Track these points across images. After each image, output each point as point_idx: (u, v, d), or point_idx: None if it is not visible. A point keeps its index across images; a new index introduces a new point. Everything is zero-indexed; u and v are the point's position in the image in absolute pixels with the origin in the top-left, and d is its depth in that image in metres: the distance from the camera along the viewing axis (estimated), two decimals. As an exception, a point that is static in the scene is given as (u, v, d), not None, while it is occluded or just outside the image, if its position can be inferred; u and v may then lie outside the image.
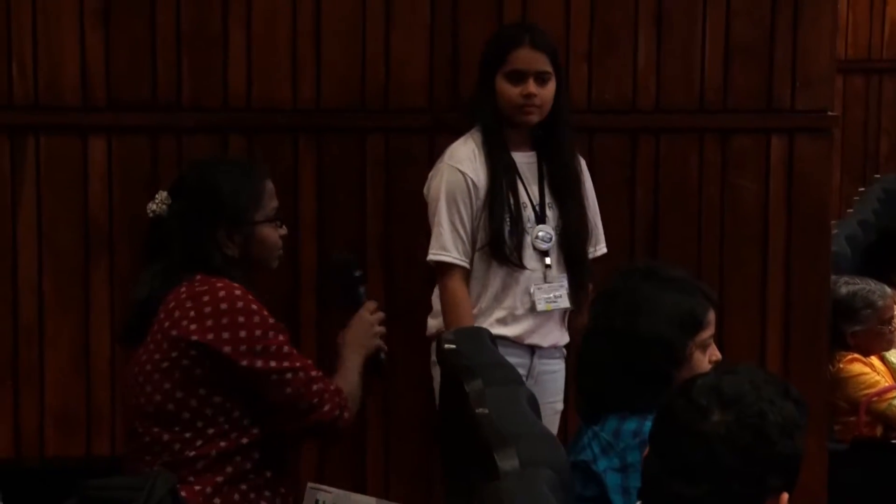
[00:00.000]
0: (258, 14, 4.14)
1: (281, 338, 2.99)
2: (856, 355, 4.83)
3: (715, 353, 2.82)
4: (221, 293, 2.95)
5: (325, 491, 3.13)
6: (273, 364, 2.96)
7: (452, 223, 3.60)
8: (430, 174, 3.71)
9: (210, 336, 2.92)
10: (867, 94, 7.77)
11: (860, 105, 7.76)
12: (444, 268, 3.63)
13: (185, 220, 3.05)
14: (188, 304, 2.96)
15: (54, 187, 4.11)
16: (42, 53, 4.07)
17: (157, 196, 3.12)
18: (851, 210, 6.91)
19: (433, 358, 3.68)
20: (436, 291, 3.73)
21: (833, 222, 4.98)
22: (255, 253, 3.10)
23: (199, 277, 3.00)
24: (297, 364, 3.00)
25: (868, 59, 7.70)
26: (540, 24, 4.11)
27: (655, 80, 4.30)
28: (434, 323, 3.72)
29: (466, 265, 3.62)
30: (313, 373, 3.02)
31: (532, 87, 3.58)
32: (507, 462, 2.18)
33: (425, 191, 3.72)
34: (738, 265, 4.39)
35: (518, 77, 3.60)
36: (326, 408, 3.01)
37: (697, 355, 2.78)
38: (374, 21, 4.18)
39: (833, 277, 4.66)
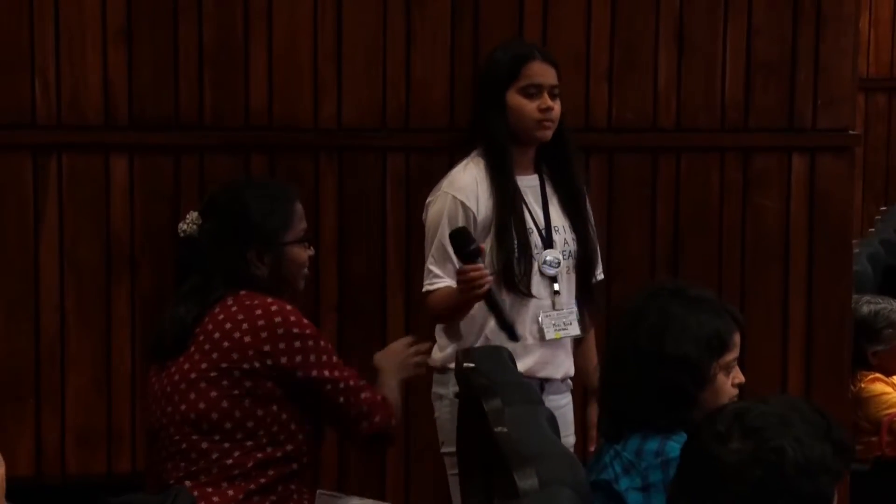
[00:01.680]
0: (280, 33, 4.16)
1: (330, 347, 3.08)
2: (877, 375, 4.80)
3: (738, 376, 2.81)
4: (273, 307, 3.02)
5: (335, 497, 3.14)
6: (327, 374, 3.04)
7: (448, 252, 3.47)
8: (429, 199, 3.58)
9: (267, 348, 2.99)
10: (889, 112, 7.76)
11: (882, 123, 7.75)
12: (431, 293, 3.53)
13: (217, 241, 3.09)
14: (240, 317, 3.02)
15: (76, 205, 4.13)
16: (65, 72, 4.09)
17: (187, 216, 3.16)
18: (873, 229, 6.89)
19: (434, 390, 3.61)
20: (439, 326, 3.62)
21: (855, 241, 4.97)
22: (284, 273, 3.14)
23: (244, 292, 3.06)
24: (346, 374, 3.08)
25: (890, 77, 7.69)
26: (560, 42, 4.13)
27: (676, 98, 4.30)
28: (440, 356, 3.59)
29: (454, 285, 3.55)
30: (361, 382, 3.10)
31: (548, 100, 3.50)
32: (527, 481, 2.17)
33: (424, 216, 3.60)
34: (760, 284, 4.37)
35: (534, 91, 3.49)
36: (377, 418, 3.09)
37: (721, 377, 2.77)
38: (396, 40, 4.19)
39: (855, 296, 4.64)
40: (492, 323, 3.47)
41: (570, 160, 3.61)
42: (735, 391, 2.82)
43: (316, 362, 3.02)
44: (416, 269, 4.16)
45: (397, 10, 4.19)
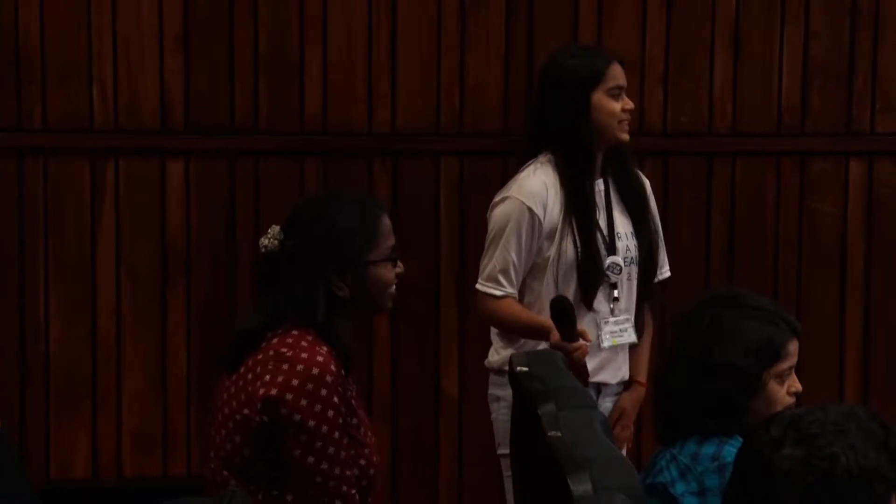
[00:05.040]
0: (334, 39, 4.17)
1: (340, 422, 2.91)
2: (936, 381, 4.76)
3: (795, 384, 2.78)
4: (303, 356, 2.89)
5: None
6: (315, 435, 2.87)
7: (513, 259, 3.48)
8: (496, 198, 3.57)
9: (274, 392, 2.86)
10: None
11: (941, 128, 7.66)
12: (493, 297, 3.53)
13: (296, 259, 2.95)
14: (269, 365, 2.90)
15: (133, 210, 4.16)
16: (122, 78, 4.13)
17: (269, 231, 3.00)
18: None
19: (491, 391, 3.60)
20: (493, 329, 3.62)
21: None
22: (367, 294, 2.99)
23: (294, 333, 2.93)
24: (337, 452, 2.91)
25: (949, 82, 7.59)
26: (616, 46, 4.12)
27: (732, 102, 4.28)
28: (497, 358, 3.59)
29: (515, 295, 3.53)
30: (348, 472, 2.92)
31: (629, 102, 3.52)
32: (581, 486, 2.16)
33: (489, 215, 3.59)
34: (816, 291, 4.34)
35: (618, 93, 3.50)
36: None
37: (774, 385, 2.74)
38: (450, 46, 4.20)
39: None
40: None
41: (630, 163, 3.61)
42: (791, 399, 2.80)
43: (313, 429, 2.87)
44: (469, 274, 4.16)
45: (451, 15, 4.19)
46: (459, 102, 4.21)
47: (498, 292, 3.52)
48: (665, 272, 3.67)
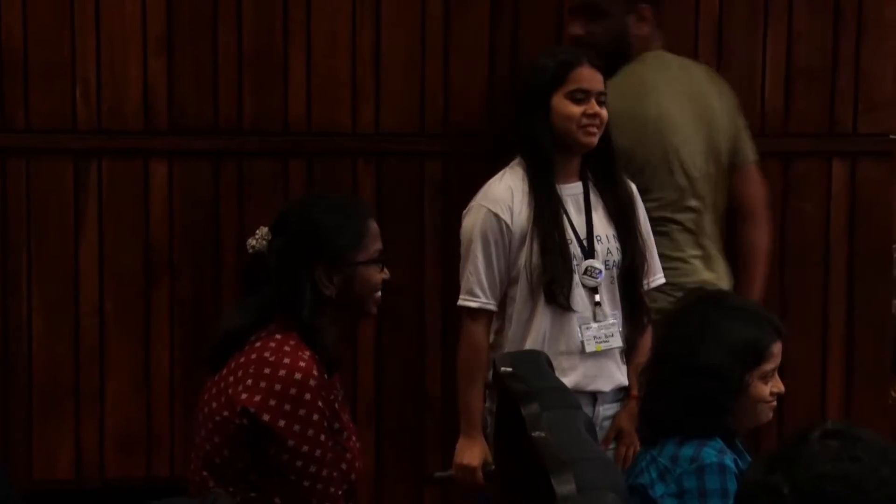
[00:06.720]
0: (318, 39, 4.17)
1: (325, 425, 2.93)
2: (919, 381, 4.77)
3: (777, 385, 2.80)
4: (286, 360, 2.91)
5: None
6: (299, 440, 2.90)
7: (484, 268, 3.46)
8: (465, 211, 3.55)
9: (257, 398, 2.88)
10: (931, 117, 7.69)
11: (924, 129, 7.68)
12: (471, 312, 3.51)
13: (284, 258, 2.99)
14: (251, 370, 2.92)
15: (116, 210, 4.15)
16: (105, 79, 4.12)
17: (257, 232, 3.06)
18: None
19: (487, 405, 3.57)
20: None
21: (895, 246, 4.93)
22: (354, 295, 3.03)
23: (278, 337, 2.96)
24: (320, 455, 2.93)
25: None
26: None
27: (715, 104, 4.28)
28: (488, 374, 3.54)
29: (494, 308, 3.50)
30: (335, 473, 2.95)
31: (595, 106, 3.44)
32: (565, 486, 2.16)
33: (462, 230, 3.57)
34: (799, 290, 4.35)
35: (581, 97, 3.43)
36: None
37: (757, 386, 2.75)
38: (434, 46, 4.20)
39: (895, 302, 4.61)
40: (536, 334, 3.46)
41: (617, 167, 3.57)
42: (773, 400, 2.81)
43: (298, 428, 2.89)
44: (453, 276, 4.16)
45: (436, 15, 4.19)
46: (444, 103, 4.21)
47: (473, 304, 3.49)
48: (658, 279, 3.63)
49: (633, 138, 3.78)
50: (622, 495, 2.33)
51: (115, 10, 4.10)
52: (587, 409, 3.45)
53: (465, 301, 3.51)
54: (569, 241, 3.47)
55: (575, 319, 3.47)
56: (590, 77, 3.46)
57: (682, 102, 3.91)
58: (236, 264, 4.10)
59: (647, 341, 3.56)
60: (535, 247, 3.45)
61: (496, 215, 3.47)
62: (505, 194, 3.48)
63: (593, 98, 3.45)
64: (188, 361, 4.15)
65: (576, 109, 3.44)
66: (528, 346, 3.45)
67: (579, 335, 3.46)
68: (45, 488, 4.16)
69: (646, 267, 3.59)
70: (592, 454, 2.43)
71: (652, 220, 3.68)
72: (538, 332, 3.47)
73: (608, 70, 3.60)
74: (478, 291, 3.48)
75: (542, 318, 3.46)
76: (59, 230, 4.14)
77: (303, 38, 4.17)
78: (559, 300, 3.43)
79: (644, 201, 3.67)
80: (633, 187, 3.62)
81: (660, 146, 3.85)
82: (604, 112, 3.47)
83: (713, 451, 2.68)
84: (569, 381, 3.38)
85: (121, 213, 4.16)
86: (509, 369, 2.86)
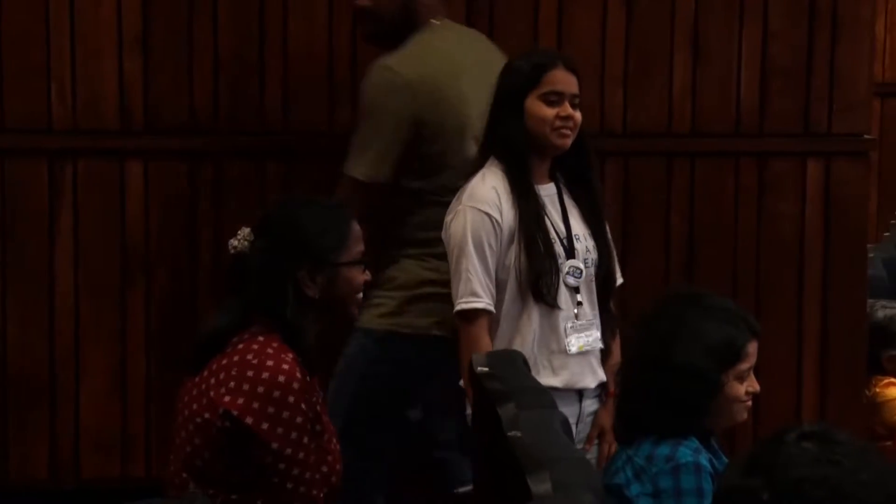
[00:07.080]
0: (294, 39, 4.16)
1: (308, 427, 2.93)
2: (892, 380, 4.79)
3: (753, 384, 2.80)
4: (269, 363, 2.90)
5: None
6: (282, 442, 2.89)
7: (481, 268, 3.42)
8: (447, 218, 3.50)
9: (240, 401, 2.88)
10: (905, 117, 7.72)
11: (898, 128, 7.71)
12: (472, 314, 3.45)
13: (267, 259, 2.98)
14: (233, 372, 2.91)
15: (91, 211, 4.14)
16: (81, 78, 4.11)
17: (239, 232, 3.05)
18: (888, 233, 6.86)
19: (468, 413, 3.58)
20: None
21: (870, 246, 4.95)
22: (336, 295, 3.03)
23: (260, 338, 2.95)
24: (302, 456, 2.93)
25: (906, 83, 7.65)
26: (575, 48, 4.13)
27: (691, 103, 4.30)
28: None
29: (493, 309, 3.47)
30: (317, 475, 2.95)
31: (569, 108, 3.44)
32: (540, 486, 2.17)
33: (443, 235, 3.52)
34: (775, 289, 4.37)
35: (555, 99, 3.43)
36: None
37: (734, 385, 2.76)
38: (410, 45, 4.19)
39: (870, 301, 4.63)
40: (526, 335, 3.44)
41: (590, 169, 3.57)
42: (748, 400, 2.82)
43: (281, 429, 2.89)
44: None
45: (412, 15, 4.19)
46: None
47: (479, 304, 3.43)
48: (619, 278, 3.64)
49: (425, 105, 3.73)
50: (598, 495, 2.33)
51: (91, 9, 4.09)
52: (573, 406, 3.46)
53: (469, 303, 3.44)
54: (553, 241, 3.47)
55: (560, 319, 3.47)
56: (564, 79, 3.46)
57: (476, 73, 3.85)
58: (213, 264, 4.09)
59: (618, 341, 3.58)
60: (523, 246, 3.44)
61: (488, 215, 3.44)
62: (491, 194, 3.46)
63: (567, 100, 3.45)
64: (164, 362, 4.14)
65: (549, 112, 3.44)
66: (519, 346, 3.42)
67: (564, 336, 3.47)
68: (21, 489, 4.15)
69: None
70: (569, 454, 2.44)
71: (448, 189, 3.64)
72: (528, 333, 3.46)
73: (395, 38, 3.71)
74: (480, 292, 3.43)
75: (532, 319, 3.45)
76: (33, 230, 4.13)
77: (279, 38, 4.17)
78: (547, 299, 3.43)
79: (439, 170, 3.70)
80: (600, 188, 3.64)
81: (454, 115, 3.79)
82: (577, 114, 3.47)
83: (689, 451, 2.68)
84: (559, 379, 3.40)
85: (96, 213, 4.14)
86: (486, 369, 2.86)
